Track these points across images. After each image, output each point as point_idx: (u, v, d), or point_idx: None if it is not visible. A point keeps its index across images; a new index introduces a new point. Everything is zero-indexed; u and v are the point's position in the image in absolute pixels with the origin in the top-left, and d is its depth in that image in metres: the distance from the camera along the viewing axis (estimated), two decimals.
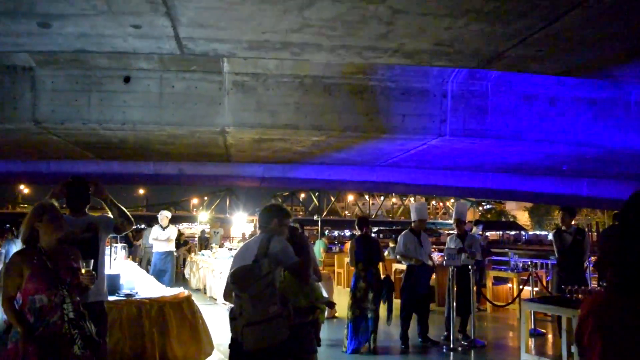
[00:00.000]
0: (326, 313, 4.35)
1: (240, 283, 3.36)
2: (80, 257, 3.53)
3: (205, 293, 11.85)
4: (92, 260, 3.61)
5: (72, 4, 3.64)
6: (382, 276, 7.59)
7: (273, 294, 3.34)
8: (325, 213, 69.87)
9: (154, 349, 5.88)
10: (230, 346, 3.53)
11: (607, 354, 2.66)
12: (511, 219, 79.53)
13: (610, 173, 10.60)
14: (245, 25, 4.05)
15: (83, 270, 3.47)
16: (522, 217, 78.78)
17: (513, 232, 71.39)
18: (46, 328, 3.20)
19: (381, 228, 62.38)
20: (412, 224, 7.68)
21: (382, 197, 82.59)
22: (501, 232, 72.89)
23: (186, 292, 6.19)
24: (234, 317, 3.40)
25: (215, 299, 10.46)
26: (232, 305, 3.54)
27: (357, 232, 7.60)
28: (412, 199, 63.39)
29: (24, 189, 61.56)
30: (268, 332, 3.25)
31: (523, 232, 73.18)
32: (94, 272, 3.53)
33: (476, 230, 11.01)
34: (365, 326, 7.14)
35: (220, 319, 7.91)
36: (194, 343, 6.05)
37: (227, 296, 3.69)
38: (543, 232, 69.25)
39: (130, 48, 4.52)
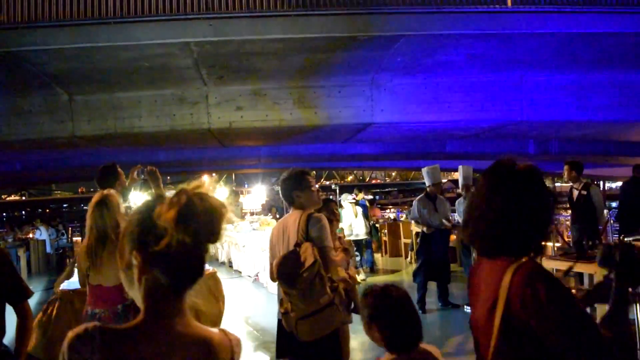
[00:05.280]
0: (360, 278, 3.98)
1: (287, 279, 3.21)
2: None
3: (230, 267, 12.07)
4: None
5: None
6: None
7: (323, 284, 3.18)
8: (323, 179, 78.00)
9: None
10: (280, 335, 3.42)
11: None
12: None
13: None
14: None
15: None
16: None
17: None
18: None
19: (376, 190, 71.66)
20: (427, 188, 7.57)
21: None
22: None
23: (211, 269, 6.16)
24: (285, 312, 3.25)
25: (240, 272, 10.40)
26: (267, 280, 3.40)
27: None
28: None
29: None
30: (321, 323, 3.14)
31: None
32: None
33: None
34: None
35: (246, 292, 7.96)
36: (219, 320, 5.92)
37: (273, 277, 3.50)
38: None
39: None
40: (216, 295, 5.75)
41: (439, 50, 10.09)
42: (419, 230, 7.45)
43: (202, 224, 1.15)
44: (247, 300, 7.16)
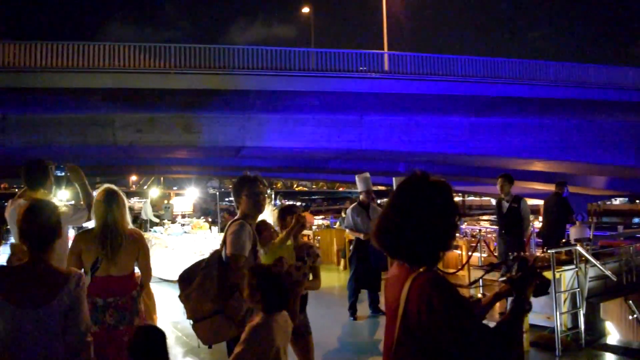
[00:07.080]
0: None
1: (181, 283, 3.18)
2: None
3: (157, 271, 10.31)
4: None
5: None
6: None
7: (205, 292, 3.05)
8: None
9: None
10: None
11: None
12: None
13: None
14: None
15: None
16: None
17: None
18: None
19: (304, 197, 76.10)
20: (360, 197, 7.56)
21: None
22: None
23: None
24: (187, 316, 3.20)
25: (162, 278, 9.47)
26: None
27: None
28: None
29: None
30: (213, 329, 3.05)
31: None
32: None
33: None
34: None
35: (173, 297, 6.85)
36: (152, 312, 4.98)
37: None
38: None
39: None
40: (149, 303, 5.20)
41: (285, 98, 14.16)
42: (353, 237, 7.46)
43: (32, 219, 2.19)
44: (175, 305, 6.80)
